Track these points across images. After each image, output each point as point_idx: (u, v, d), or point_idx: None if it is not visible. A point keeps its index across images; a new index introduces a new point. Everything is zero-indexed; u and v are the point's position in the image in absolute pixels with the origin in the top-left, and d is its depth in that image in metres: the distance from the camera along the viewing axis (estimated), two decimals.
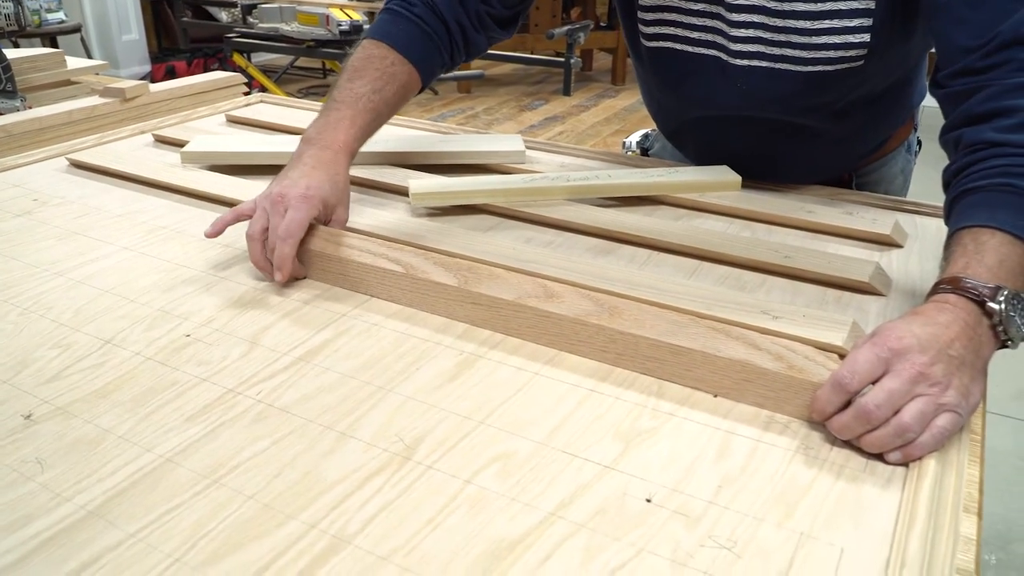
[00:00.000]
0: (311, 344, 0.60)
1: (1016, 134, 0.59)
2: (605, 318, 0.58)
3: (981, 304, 0.52)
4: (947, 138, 0.65)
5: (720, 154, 0.92)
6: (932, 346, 0.49)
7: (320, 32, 3.28)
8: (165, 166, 0.94)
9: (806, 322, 0.60)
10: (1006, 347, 0.54)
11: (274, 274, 0.68)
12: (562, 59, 3.08)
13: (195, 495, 0.45)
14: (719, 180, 0.87)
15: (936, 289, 0.55)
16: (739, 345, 0.54)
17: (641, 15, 0.83)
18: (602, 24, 5.04)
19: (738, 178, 0.88)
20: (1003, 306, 0.52)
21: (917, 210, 0.87)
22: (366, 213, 0.81)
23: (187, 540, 0.42)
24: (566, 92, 3.01)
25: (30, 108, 1.26)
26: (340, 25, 3.21)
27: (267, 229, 0.68)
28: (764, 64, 0.78)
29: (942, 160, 0.65)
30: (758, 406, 0.53)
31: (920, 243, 0.79)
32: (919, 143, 0.99)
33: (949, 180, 0.63)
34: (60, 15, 3.84)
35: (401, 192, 0.88)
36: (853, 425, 0.48)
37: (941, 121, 0.66)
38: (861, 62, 0.76)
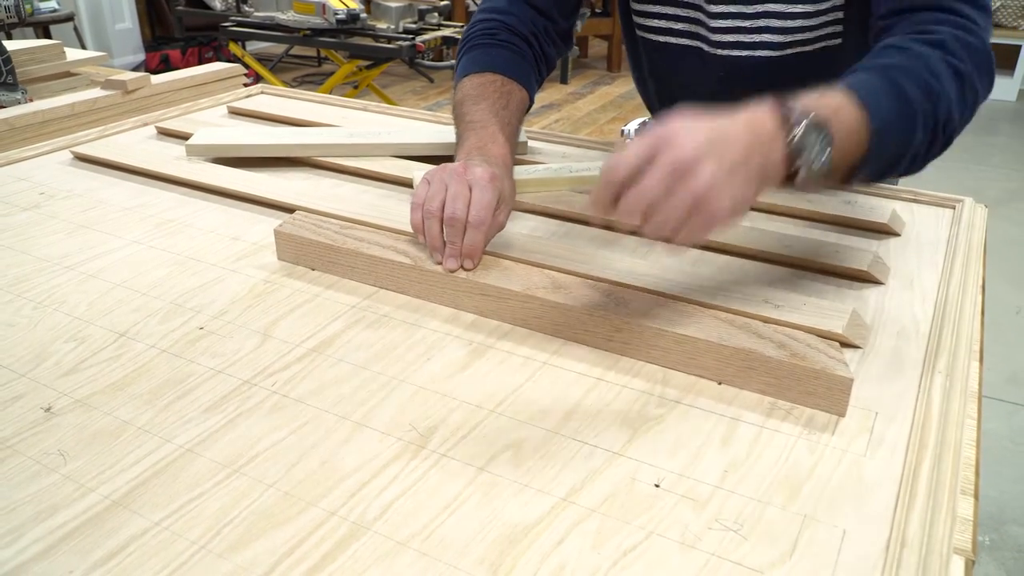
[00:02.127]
0: (323, 335, 0.61)
1: (922, 46, 0.63)
2: (611, 308, 0.59)
3: (785, 118, 0.52)
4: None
5: None
6: (706, 139, 0.49)
7: (316, 21, 3.27)
8: (171, 159, 0.94)
9: (807, 311, 0.61)
10: (795, 177, 0.53)
11: (461, 262, 0.63)
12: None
13: (216, 484, 0.46)
14: None
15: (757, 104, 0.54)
16: (742, 334, 0.56)
17: (635, 6, 0.85)
18: (598, 11, 5.02)
19: None
20: (802, 127, 0.51)
21: (914, 199, 0.88)
22: (371, 205, 0.82)
23: (211, 528, 0.43)
24: (563, 80, 3.01)
25: (31, 101, 1.26)
26: (337, 14, 3.20)
27: (443, 205, 0.64)
28: (743, 53, 0.81)
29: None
30: (761, 393, 0.55)
31: (917, 231, 0.81)
32: None
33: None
34: (53, 4, 3.82)
35: (405, 184, 0.89)
36: (622, 224, 0.50)
37: None
38: (839, 40, 0.78)
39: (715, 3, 0.79)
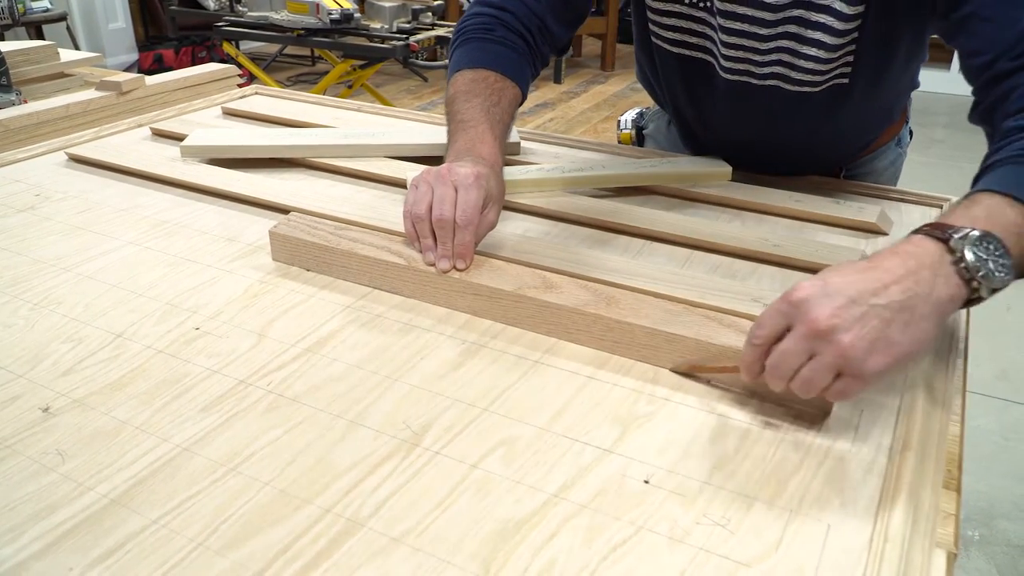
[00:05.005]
0: (318, 335, 0.62)
1: None
2: (603, 307, 0.60)
3: (945, 242, 0.50)
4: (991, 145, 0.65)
5: (713, 143, 0.94)
6: (844, 294, 0.47)
7: (310, 20, 3.27)
8: (165, 160, 0.95)
9: None
10: (976, 296, 0.50)
11: (454, 262, 0.64)
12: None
13: (213, 482, 0.47)
14: (710, 171, 0.89)
15: (910, 233, 0.53)
16: (731, 332, 0.57)
17: (651, 16, 0.85)
18: (591, 10, 5.02)
19: (728, 169, 0.90)
20: (967, 245, 0.49)
21: (902, 198, 0.89)
22: (366, 206, 0.82)
23: (208, 525, 0.44)
24: (556, 80, 3.01)
25: (25, 102, 1.26)
26: (331, 14, 3.20)
27: (430, 207, 0.65)
28: (754, 81, 0.82)
29: (936, 148, 0.68)
30: (749, 393, 0.56)
31: (905, 231, 0.81)
32: (910, 133, 1.01)
33: (979, 173, 0.62)
34: (45, 3, 3.81)
35: (400, 184, 0.90)
36: (772, 386, 0.50)
37: (931, 106, 0.69)
38: (846, 80, 0.79)
39: (728, 34, 0.79)
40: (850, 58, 0.77)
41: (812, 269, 0.72)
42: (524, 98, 0.87)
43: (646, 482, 0.47)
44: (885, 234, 0.81)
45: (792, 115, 0.84)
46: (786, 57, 0.79)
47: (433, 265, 0.66)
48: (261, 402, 0.54)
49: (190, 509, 0.45)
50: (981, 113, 0.68)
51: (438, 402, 0.54)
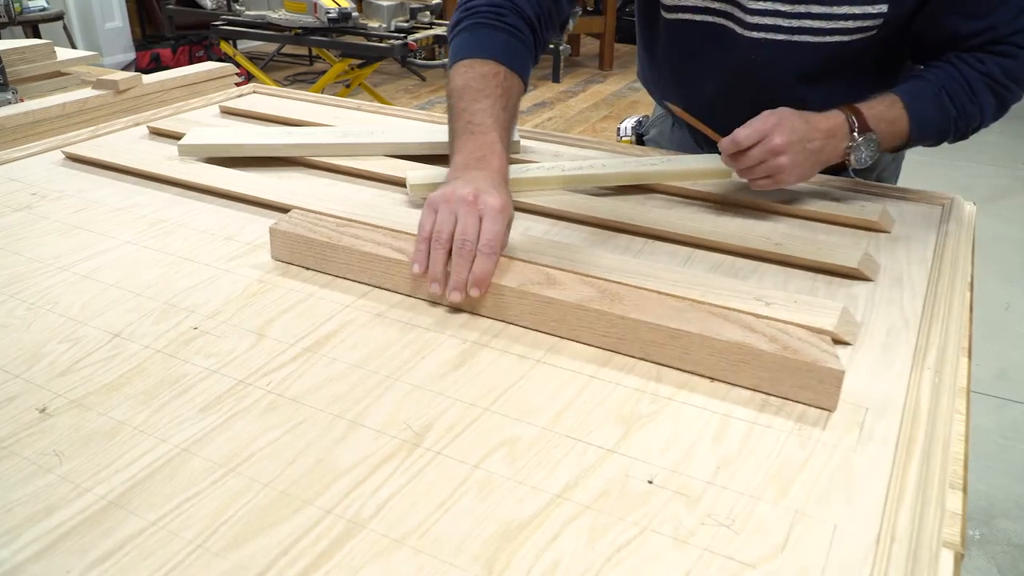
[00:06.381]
0: (317, 335, 0.61)
1: (973, 70, 0.82)
2: (606, 304, 0.59)
3: (851, 131, 0.79)
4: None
5: (726, 134, 0.94)
6: (796, 133, 0.76)
7: (308, 20, 3.26)
8: (162, 159, 0.94)
9: (797, 308, 0.62)
10: (844, 165, 0.81)
11: (464, 290, 0.62)
12: (551, 45, 3.08)
13: (213, 483, 0.46)
14: (711, 168, 0.89)
15: (840, 105, 0.80)
16: (736, 328, 0.56)
17: None
18: (589, 9, 5.03)
19: (729, 168, 0.89)
20: (860, 139, 0.79)
21: (903, 196, 0.89)
22: (365, 204, 0.82)
23: (208, 527, 0.43)
24: (555, 79, 3.01)
25: (21, 101, 1.26)
26: (328, 13, 3.19)
27: (451, 235, 0.63)
28: (780, 37, 0.83)
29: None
30: (754, 387, 0.55)
31: (907, 229, 0.81)
32: None
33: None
34: (42, 2, 3.79)
35: (399, 183, 0.89)
36: (731, 162, 0.79)
37: None
38: (875, 31, 0.81)
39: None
40: (883, 7, 0.80)
41: (814, 268, 0.72)
42: (525, 89, 0.86)
43: (650, 482, 0.47)
44: (887, 232, 0.80)
45: (815, 78, 0.86)
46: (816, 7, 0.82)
47: (440, 295, 0.63)
48: (260, 402, 0.54)
49: (189, 510, 0.44)
50: (928, 50, 0.86)
51: (439, 402, 0.54)
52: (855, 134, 0.79)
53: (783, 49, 0.84)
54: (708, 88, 0.91)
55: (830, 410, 0.53)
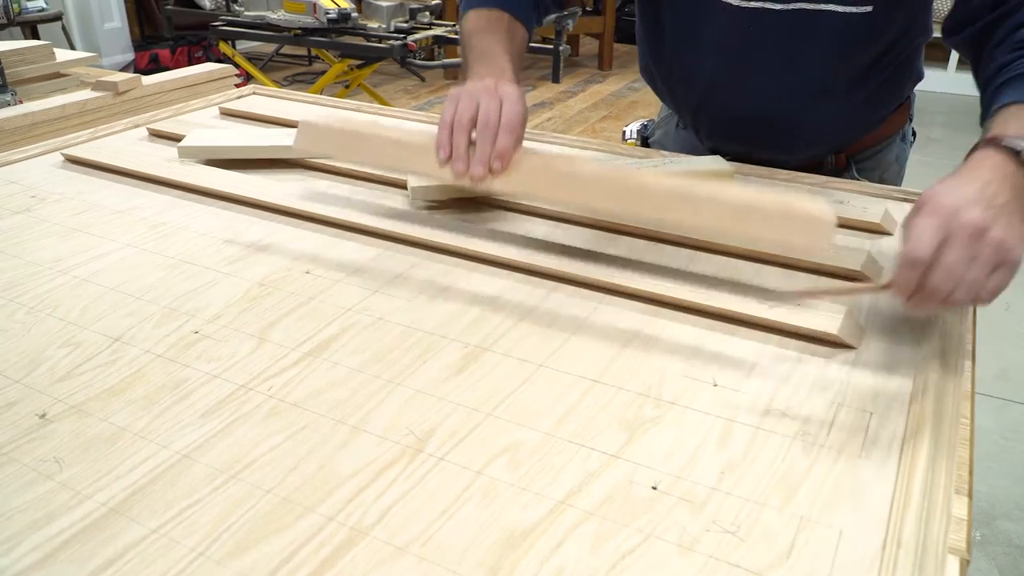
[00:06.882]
0: (318, 339, 0.61)
1: None
2: (621, 175, 0.64)
3: (1016, 154, 0.57)
4: (988, 52, 0.71)
5: (729, 123, 0.94)
6: (978, 200, 0.54)
7: (307, 20, 3.25)
8: (162, 161, 0.94)
9: (801, 310, 0.62)
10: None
11: (487, 164, 0.65)
12: (550, 45, 3.07)
13: (214, 490, 0.46)
14: (712, 170, 0.89)
15: (974, 149, 0.60)
16: (738, 190, 0.63)
17: None
18: (588, 9, 5.02)
19: (730, 168, 0.89)
20: None
21: (906, 198, 0.89)
22: (365, 206, 0.82)
23: (209, 534, 0.43)
24: (555, 80, 3.01)
25: (20, 102, 1.25)
26: (328, 13, 3.18)
27: (473, 119, 0.67)
28: (773, 6, 0.82)
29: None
30: (754, 241, 0.60)
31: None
32: (914, 133, 1.01)
33: (991, 77, 0.69)
34: (41, 3, 3.78)
35: (400, 185, 0.89)
36: (929, 302, 0.54)
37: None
38: (869, 7, 0.79)
39: None
40: None
41: (817, 271, 0.72)
42: (530, 40, 0.89)
43: (654, 488, 0.47)
44: (890, 234, 0.80)
45: (809, 53, 0.84)
46: None
47: (463, 175, 0.66)
48: (262, 407, 0.53)
49: (191, 518, 0.44)
50: (975, 32, 0.72)
51: (442, 407, 0.54)
52: (1022, 156, 0.58)
53: (777, 21, 0.83)
54: (707, 66, 0.91)
55: (822, 252, 0.59)
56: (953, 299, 0.53)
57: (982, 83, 0.71)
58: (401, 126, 0.78)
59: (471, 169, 0.66)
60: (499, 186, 0.67)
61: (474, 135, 0.68)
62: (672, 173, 0.67)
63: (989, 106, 0.67)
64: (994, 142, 0.59)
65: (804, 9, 0.81)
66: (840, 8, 0.80)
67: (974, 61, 0.74)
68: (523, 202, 0.83)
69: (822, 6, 0.81)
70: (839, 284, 0.60)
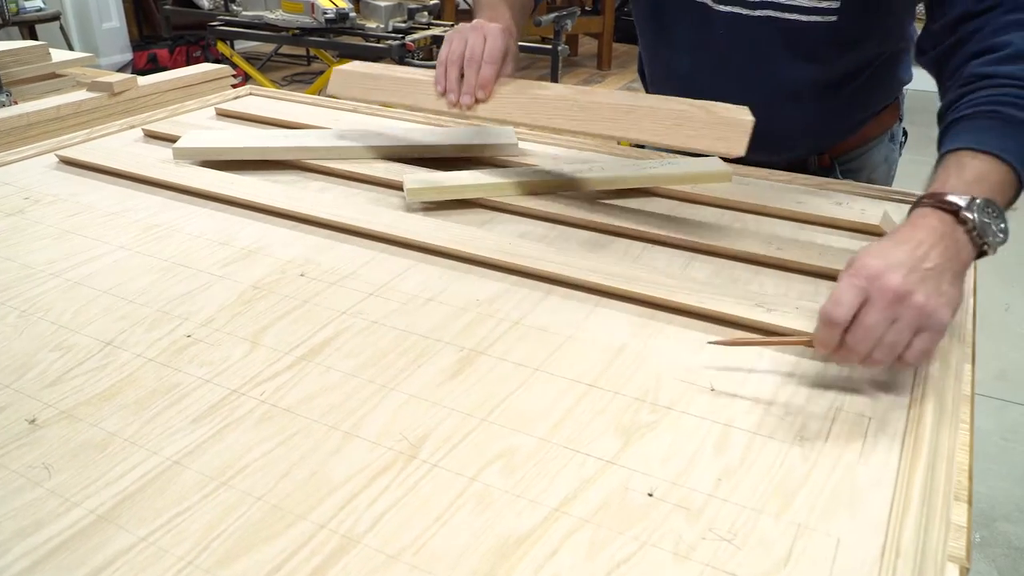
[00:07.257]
0: (312, 343, 0.61)
1: (1004, 66, 0.63)
2: (579, 95, 0.77)
3: (955, 213, 0.56)
4: (944, 81, 0.70)
5: None
6: (904, 264, 0.53)
7: (305, 20, 3.25)
8: (157, 162, 0.93)
9: (799, 314, 0.61)
10: (984, 254, 0.58)
11: (473, 93, 0.78)
12: (549, 46, 3.06)
13: (204, 497, 0.46)
14: (710, 172, 0.88)
15: (916, 205, 0.59)
16: (675, 103, 0.74)
17: None
18: (587, 9, 5.02)
19: (729, 169, 0.89)
20: (975, 214, 0.56)
21: (904, 199, 0.88)
22: (361, 208, 0.81)
23: (199, 543, 0.42)
24: (553, 79, 3.00)
25: (15, 103, 1.25)
26: (326, 13, 3.18)
27: (463, 55, 0.78)
28: (744, 11, 0.83)
29: (928, 147, 0.68)
30: (684, 145, 0.72)
31: None
32: (905, 134, 1.00)
33: (942, 114, 0.67)
34: (38, 3, 3.78)
35: (396, 187, 0.88)
36: (849, 359, 0.54)
37: (927, 105, 0.69)
38: (834, 17, 0.80)
39: None
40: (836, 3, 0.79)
41: (815, 273, 0.71)
42: (535, 9, 0.97)
43: (650, 495, 0.46)
44: None
45: (779, 57, 0.85)
46: None
47: (455, 105, 0.80)
48: (254, 413, 0.53)
49: (180, 525, 0.44)
50: (936, 56, 0.71)
51: (436, 412, 0.53)
52: (964, 212, 0.56)
53: (751, 26, 0.83)
54: (684, 65, 0.92)
55: (737, 154, 0.69)
56: (873, 359, 0.53)
57: (938, 114, 0.68)
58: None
59: (460, 99, 0.78)
60: (483, 112, 0.80)
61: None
62: (626, 105, 0.77)
63: (939, 145, 0.64)
64: (934, 198, 0.58)
65: (771, 16, 0.82)
66: (804, 17, 0.81)
67: (937, 85, 0.72)
68: (517, 204, 0.83)
69: (787, 15, 0.82)
70: (768, 337, 0.58)
